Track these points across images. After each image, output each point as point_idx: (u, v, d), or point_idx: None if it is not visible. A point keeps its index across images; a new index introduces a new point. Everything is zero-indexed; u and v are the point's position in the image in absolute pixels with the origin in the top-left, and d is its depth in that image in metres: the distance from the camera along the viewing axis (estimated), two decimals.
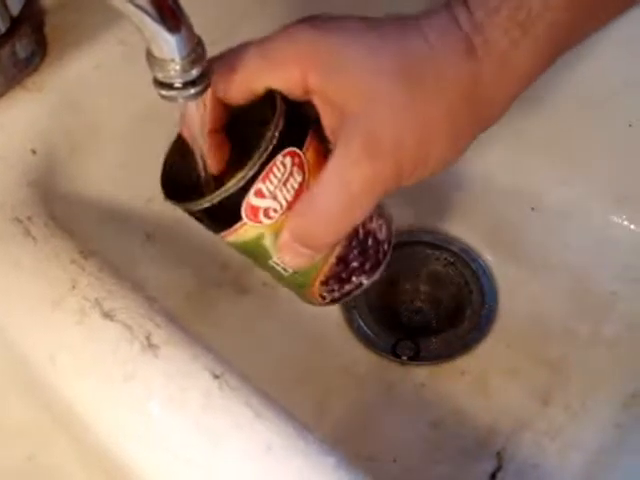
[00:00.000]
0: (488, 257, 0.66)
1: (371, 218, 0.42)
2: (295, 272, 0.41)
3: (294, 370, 0.60)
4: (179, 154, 0.42)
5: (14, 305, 0.46)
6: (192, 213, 0.40)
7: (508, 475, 0.57)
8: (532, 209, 0.67)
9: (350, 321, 0.63)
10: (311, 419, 0.58)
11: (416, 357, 0.61)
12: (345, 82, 0.36)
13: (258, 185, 0.37)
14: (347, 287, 0.43)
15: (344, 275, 0.42)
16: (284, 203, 0.38)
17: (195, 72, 0.37)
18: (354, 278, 0.43)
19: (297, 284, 0.43)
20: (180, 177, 0.41)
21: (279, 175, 0.37)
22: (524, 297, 0.64)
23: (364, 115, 0.36)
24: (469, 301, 0.64)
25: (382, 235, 0.43)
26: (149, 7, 0.35)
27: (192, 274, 0.62)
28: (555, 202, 0.66)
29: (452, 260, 0.66)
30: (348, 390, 0.60)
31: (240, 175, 0.37)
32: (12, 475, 0.54)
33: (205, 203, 0.38)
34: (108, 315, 0.44)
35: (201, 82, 0.37)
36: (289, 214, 0.38)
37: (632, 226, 0.64)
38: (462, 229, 0.68)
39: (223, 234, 0.40)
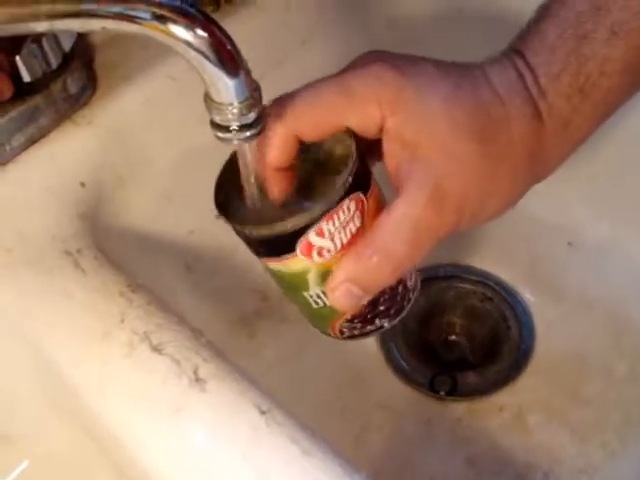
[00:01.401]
0: (526, 293, 0.66)
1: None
2: (325, 307, 0.41)
3: (332, 404, 0.61)
4: (235, 172, 0.41)
5: (64, 337, 0.47)
6: (243, 235, 0.40)
7: None
8: (569, 244, 0.67)
9: (387, 355, 0.64)
10: (349, 453, 0.58)
11: (453, 392, 0.62)
12: (424, 129, 0.37)
13: (322, 225, 0.37)
14: (369, 327, 0.44)
15: (369, 316, 0.43)
16: (339, 245, 0.38)
17: (252, 116, 0.38)
18: (377, 321, 0.43)
19: (323, 317, 0.43)
20: (233, 193, 0.41)
21: (342, 218, 0.38)
22: (562, 333, 0.64)
23: (437, 165, 0.37)
24: (507, 337, 0.64)
25: (411, 283, 0.44)
26: (209, 52, 0.35)
27: (232, 305, 0.63)
28: (593, 237, 0.66)
29: (490, 295, 0.66)
30: (385, 425, 0.60)
31: (311, 214, 0.37)
32: None
33: (264, 231, 0.38)
34: (156, 349, 0.45)
35: (257, 125, 0.38)
36: (340, 255, 0.39)
37: None
38: (499, 264, 0.68)
39: (268, 260, 0.40)
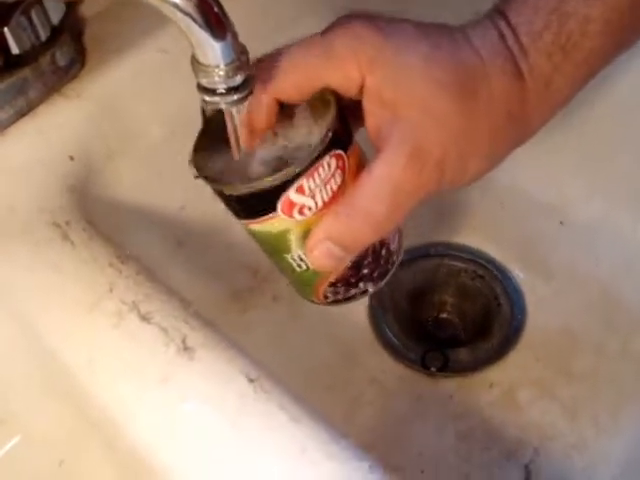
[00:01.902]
0: (517, 271, 0.66)
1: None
2: (308, 270, 0.41)
3: (323, 379, 0.61)
4: (214, 133, 0.41)
5: (53, 309, 0.47)
6: (223, 196, 0.39)
7: None
8: (561, 223, 0.67)
9: (378, 332, 0.64)
10: (339, 428, 0.59)
11: (445, 368, 0.61)
12: (402, 87, 0.37)
13: (301, 181, 0.37)
14: (353, 291, 0.43)
15: (353, 280, 0.42)
16: (320, 203, 0.38)
17: (239, 79, 0.37)
18: (361, 284, 0.43)
19: (306, 281, 0.43)
20: (213, 155, 0.41)
21: (323, 175, 0.37)
22: (553, 310, 0.64)
23: (417, 124, 0.36)
24: (498, 314, 0.64)
25: (394, 246, 0.43)
26: (196, 14, 0.35)
27: (223, 280, 0.63)
28: (584, 216, 0.66)
29: (481, 273, 0.66)
30: (376, 400, 0.60)
31: (290, 169, 0.36)
32: (44, 477, 0.54)
33: (244, 189, 0.38)
34: (145, 318, 0.45)
35: (244, 89, 0.38)
36: (322, 214, 0.38)
37: None
38: (491, 243, 0.68)
39: (248, 222, 0.40)
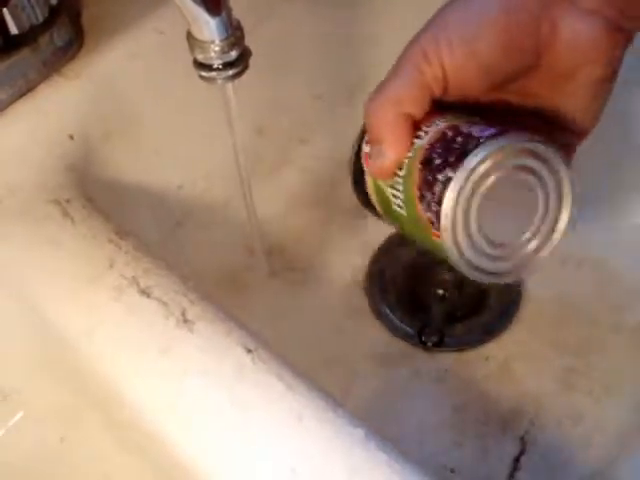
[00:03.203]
0: None
1: (471, 123, 0.37)
2: (404, 202, 0.38)
3: (320, 354, 0.62)
4: None
5: (53, 284, 0.47)
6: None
7: (531, 459, 0.58)
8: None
9: (376, 307, 0.64)
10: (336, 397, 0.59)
11: (441, 343, 0.62)
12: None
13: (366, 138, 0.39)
14: (436, 189, 0.36)
15: (430, 177, 0.36)
16: None
17: (234, 54, 0.38)
18: (439, 175, 0.36)
19: (414, 220, 0.38)
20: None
21: None
22: (549, 284, 0.65)
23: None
24: (494, 288, 0.65)
25: (477, 131, 0.36)
26: None
27: (221, 257, 0.64)
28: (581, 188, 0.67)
29: None
30: (373, 375, 0.61)
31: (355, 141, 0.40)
32: (46, 456, 0.55)
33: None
34: (144, 292, 0.46)
35: (239, 64, 0.39)
36: None
37: None
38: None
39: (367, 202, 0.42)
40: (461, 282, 0.67)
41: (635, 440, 0.57)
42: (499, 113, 0.39)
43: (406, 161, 0.37)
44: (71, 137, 0.54)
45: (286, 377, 0.42)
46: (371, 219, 0.68)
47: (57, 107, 0.54)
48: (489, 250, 0.36)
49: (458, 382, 0.61)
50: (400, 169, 0.38)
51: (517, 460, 0.57)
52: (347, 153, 0.72)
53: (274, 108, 0.68)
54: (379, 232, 0.68)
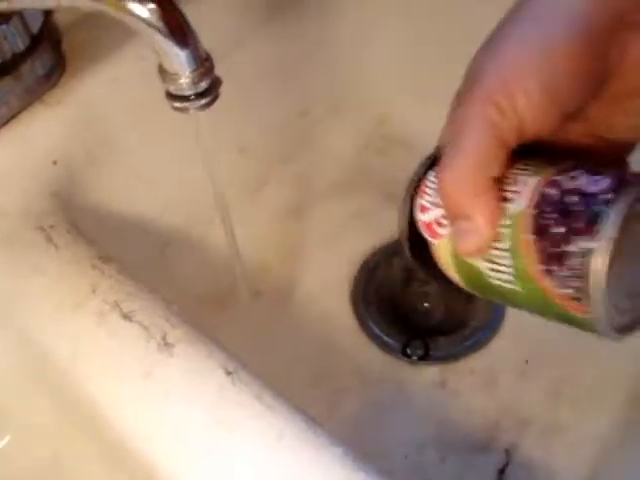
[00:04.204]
0: None
1: (574, 177, 0.33)
2: (515, 277, 0.33)
3: (306, 371, 0.62)
4: None
5: (38, 309, 0.48)
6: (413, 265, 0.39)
7: (516, 471, 0.58)
8: None
9: (361, 322, 0.65)
10: (323, 418, 0.60)
11: (426, 357, 0.63)
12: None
13: (418, 201, 0.36)
14: (573, 263, 0.31)
15: (556, 250, 0.32)
16: None
17: (205, 84, 0.39)
18: (572, 247, 0.31)
19: (537, 299, 0.34)
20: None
21: (433, 186, 0.36)
22: None
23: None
24: (479, 301, 0.66)
25: (597, 188, 0.32)
26: (160, 24, 0.37)
27: (207, 280, 0.64)
28: None
29: None
30: (359, 390, 0.62)
31: (401, 204, 0.37)
32: (36, 475, 0.56)
33: (404, 246, 0.38)
34: (127, 316, 0.47)
35: (210, 93, 0.40)
36: None
37: None
38: None
39: (440, 268, 0.38)
40: (446, 295, 0.67)
41: (619, 451, 0.57)
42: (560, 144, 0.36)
43: (504, 231, 0.33)
44: (54, 163, 0.54)
45: (266, 398, 0.43)
46: (353, 235, 0.70)
47: (40, 134, 0.55)
48: (628, 306, 0.33)
49: (443, 395, 0.62)
50: (498, 241, 0.34)
51: (502, 472, 0.58)
52: (333, 168, 0.73)
53: (257, 127, 0.69)
54: (362, 248, 0.69)
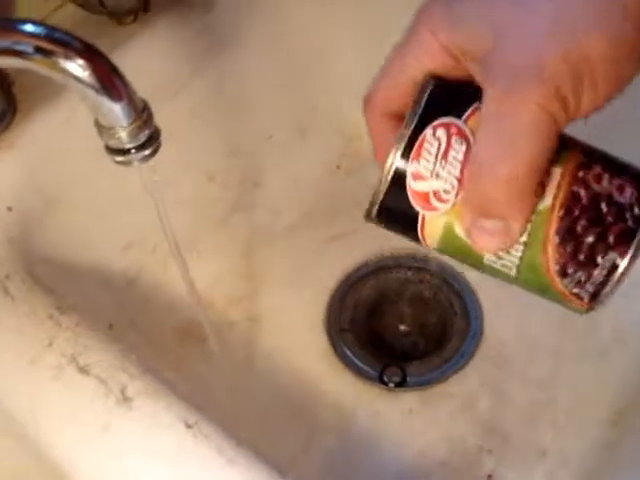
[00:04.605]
0: (472, 277, 0.66)
1: (599, 177, 0.33)
2: (520, 267, 0.34)
3: (281, 406, 0.61)
4: None
5: None
6: (378, 224, 0.36)
7: None
8: None
9: (336, 349, 0.64)
10: (299, 454, 0.59)
11: (403, 383, 0.62)
12: (469, 27, 0.32)
13: (412, 166, 0.33)
14: (596, 273, 0.33)
15: (582, 257, 0.33)
16: (454, 180, 0.33)
17: (144, 136, 0.38)
18: (600, 259, 0.32)
19: (535, 283, 0.35)
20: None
21: (433, 150, 0.33)
22: (509, 316, 0.64)
23: (497, 48, 0.31)
24: (454, 322, 0.65)
25: (624, 198, 0.33)
26: (91, 80, 0.36)
27: (175, 315, 0.63)
28: None
29: (435, 281, 0.67)
30: (336, 422, 0.61)
31: (387, 164, 0.33)
32: None
33: (374, 207, 0.34)
34: (84, 370, 0.45)
35: (152, 144, 0.38)
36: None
37: None
38: None
39: (420, 240, 0.35)
40: (422, 317, 0.66)
41: (601, 474, 0.56)
42: None
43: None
44: (9, 209, 0.53)
45: (227, 450, 0.42)
46: (329, 259, 0.68)
47: None
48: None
49: (422, 422, 0.61)
50: None
51: None
52: (303, 192, 0.72)
53: (225, 155, 0.68)
54: (336, 272, 0.67)
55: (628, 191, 0.33)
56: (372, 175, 0.73)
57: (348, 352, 0.64)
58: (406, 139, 0.33)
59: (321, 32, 0.69)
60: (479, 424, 0.60)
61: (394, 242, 0.69)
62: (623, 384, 0.60)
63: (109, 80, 0.36)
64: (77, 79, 0.35)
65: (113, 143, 0.38)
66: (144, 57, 0.61)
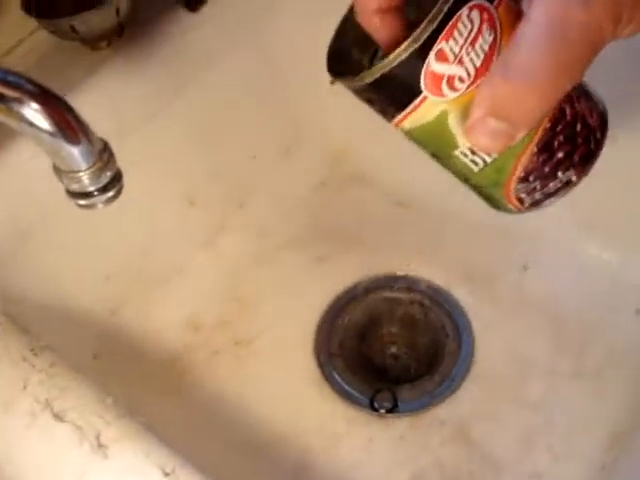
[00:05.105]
0: (462, 298, 0.65)
1: (579, 98, 0.34)
2: (487, 165, 0.34)
3: (272, 432, 0.60)
4: (349, 34, 0.36)
5: None
6: (361, 91, 0.33)
7: None
8: (504, 241, 0.66)
9: (327, 375, 0.62)
10: None
11: (394, 409, 0.60)
12: None
13: (440, 45, 0.30)
14: (552, 185, 0.35)
15: (547, 168, 0.34)
16: (472, 70, 0.31)
17: (105, 178, 0.37)
18: (560, 173, 0.34)
19: (490, 182, 0.35)
20: (349, 56, 0.36)
21: (465, 32, 0.31)
22: (501, 337, 0.63)
23: None
24: (446, 345, 0.63)
25: (593, 121, 0.35)
26: (46, 125, 0.34)
27: (162, 342, 0.62)
28: (527, 234, 0.65)
29: (426, 303, 0.65)
30: (326, 448, 0.59)
31: (418, 32, 0.30)
32: None
33: (377, 72, 0.31)
34: (58, 416, 0.44)
35: (114, 185, 0.37)
36: (479, 84, 0.31)
37: (604, 256, 0.63)
38: (433, 269, 0.66)
39: (398, 118, 0.33)
40: (413, 340, 0.65)
41: None
42: None
43: None
44: None
45: None
46: (318, 281, 0.67)
47: None
48: None
49: (414, 449, 0.59)
50: None
51: None
52: (289, 212, 0.70)
53: (207, 177, 0.67)
54: (324, 295, 0.66)
55: (594, 115, 0.35)
56: (358, 193, 0.72)
57: (338, 377, 0.62)
58: (443, 14, 0.30)
59: (303, 50, 0.67)
60: (472, 449, 0.59)
61: (382, 262, 0.67)
62: (619, 405, 0.59)
63: (66, 123, 0.34)
64: (32, 125, 0.34)
65: (75, 187, 0.36)
66: (120, 82, 0.60)
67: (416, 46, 0.30)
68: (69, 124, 0.34)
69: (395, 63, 0.31)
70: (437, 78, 0.31)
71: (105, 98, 0.59)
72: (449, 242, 0.67)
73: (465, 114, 0.31)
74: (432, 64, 0.30)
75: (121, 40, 0.60)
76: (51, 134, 0.34)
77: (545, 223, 0.64)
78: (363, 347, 0.65)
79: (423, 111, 0.32)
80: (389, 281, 0.66)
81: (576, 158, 0.34)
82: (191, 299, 0.65)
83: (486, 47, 0.31)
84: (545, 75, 0.29)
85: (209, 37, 0.63)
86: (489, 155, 0.33)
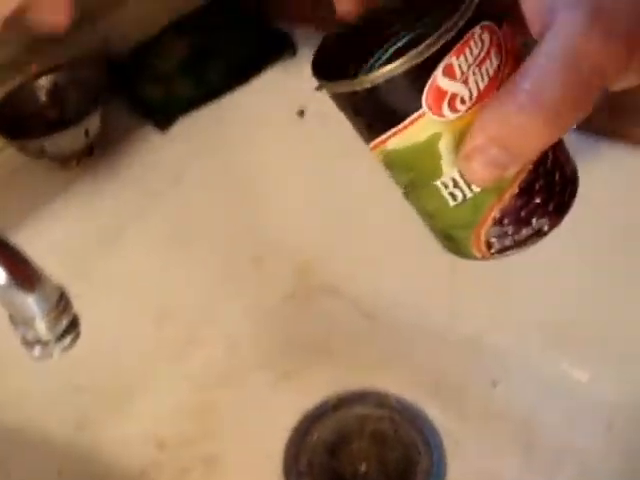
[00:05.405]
0: (432, 412, 0.64)
1: (559, 145, 0.34)
2: (466, 200, 0.32)
3: None
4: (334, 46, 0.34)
5: None
6: (353, 98, 0.31)
7: None
8: (474, 355, 0.65)
9: None
10: None
11: None
12: None
13: (450, 59, 0.29)
14: (524, 232, 0.33)
15: (524, 213, 0.33)
16: (474, 92, 0.30)
17: (64, 324, 0.36)
18: (534, 220, 0.33)
19: (462, 221, 0.34)
20: (335, 64, 0.33)
21: (475, 52, 0.29)
22: (472, 452, 0.62)
23: None
24: (418, 463, 0.62)
25: (569, 173, 0.34)
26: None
27: (129, 456, 0.61)
28: (497, 350, 0.65)
29: (396, 418, 0.64)
30: None
31: (433, 39, 0.28)
32: None
33: (381, 76, 0.29)
34: None
35: (72, 330, 0.37)
36: (478, 109, 0.30)
37: (574, 372, 0.63)
38: (403, 384, 0.66)
39: (385, 136, 0.31)
40: (383, 457, 0.64)
41: None
42: None
43: None
44: None
45: None
46: (286, 397, 0.66)
47: None
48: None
49: None
50: None
51: None
52: (258, 324, 0.70)
53: (176, 291, 0.67)
54: (293, 413, 0.65)
55: (570, 166, 0.34)
56: (327, 304, 0.71)
57: None
58: (457, 30, 0.28)
59: (272, 164, 0.68)
60: None
61: (351, 377, 0.67)
62: None
63: (19, 272, 0.34)
64: None
65: (32, 336, 0.36)
66: (89, 200, 0.60)
67: (422, 59, 0.28)
68: (22, 271, 0.34)
69: (404, 68, 0.29)
70: (440, 94, 0.29)
71: (74, 216, 0.59)
72: (418, 355, 0.67)
73: (458, 139, 0.30)
74: (439, 78, 0.29)
75: (91, 159, 0.60)
76: (4, 285, 0.34)
77: (514, 339, 0.64)
78: (333, 464, 0.64)
79: (416, 130, 0.30)
80: (358, 397, 0.66)
81: (551, 207, 0.33)
82: (158, 415, 0.64)
83: (491, 71, 0.30)
84: (559, 108, 0.28)
85: (177, 155, 0.64)
86: (471, 189, 0.32)
